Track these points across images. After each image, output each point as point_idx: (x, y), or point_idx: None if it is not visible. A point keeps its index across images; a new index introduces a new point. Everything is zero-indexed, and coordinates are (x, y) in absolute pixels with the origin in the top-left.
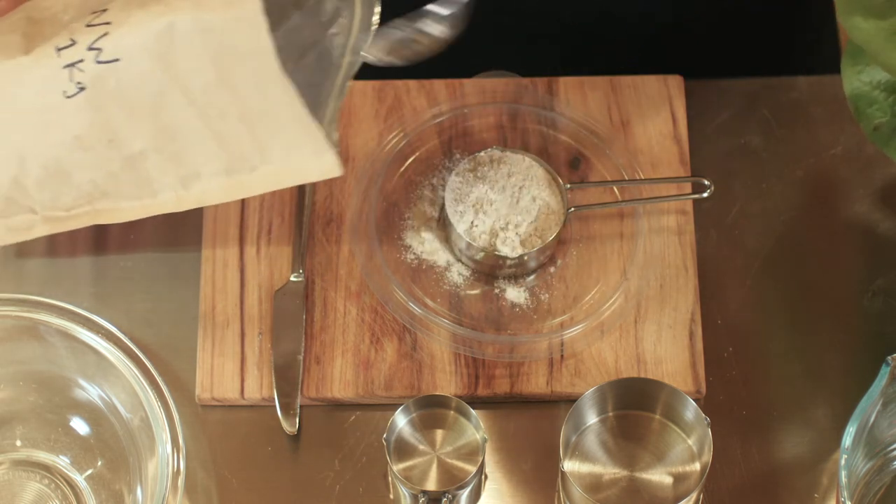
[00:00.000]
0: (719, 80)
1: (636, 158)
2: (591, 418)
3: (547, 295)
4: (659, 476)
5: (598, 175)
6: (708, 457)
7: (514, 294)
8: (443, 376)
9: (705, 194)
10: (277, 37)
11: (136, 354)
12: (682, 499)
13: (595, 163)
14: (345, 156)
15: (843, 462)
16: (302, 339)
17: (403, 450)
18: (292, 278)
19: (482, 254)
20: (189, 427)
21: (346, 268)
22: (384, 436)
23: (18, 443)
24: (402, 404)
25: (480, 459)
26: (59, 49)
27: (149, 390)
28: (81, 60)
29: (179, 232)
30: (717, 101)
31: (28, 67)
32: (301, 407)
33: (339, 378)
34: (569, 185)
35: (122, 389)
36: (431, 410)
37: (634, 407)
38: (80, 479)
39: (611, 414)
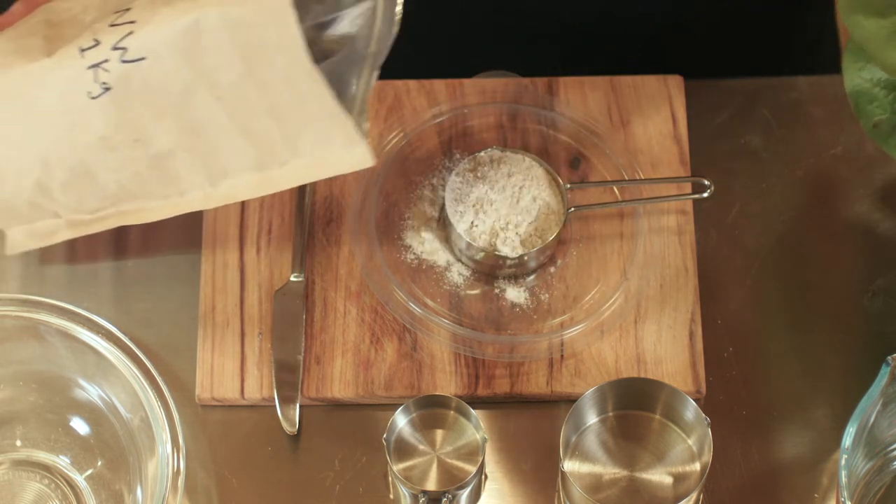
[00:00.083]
0: (719, 80)
1: (636, 158)
2: (591, 418)
3: (547, 295)
4: (659, 476)
5: (598, 175)
6: (708, 457)
7: (514, 294)
8: (443, 376)
9: (705, 194)
10: (303, 30)
11: (136, 354)
12: (682, 499)
13: (595, 163)
14: (374, 147)
15: (843, 462)
16: (302, 339)
17: (403, 450)
18: (292, 278)
19: (482, 254)
20: (189, 427)
21: (346, 268)
22: (384, 436)
23: (18, 443)
24: (402, 404)
25: (480, 459)
26: (83, 50)
27: (149, 390)
28: (106, 60)
29: (179, 232)
30: (717, 101)
31: (50, 69)
32: (301, 407)
33: (339, 378)
34: (569, 185)
35: (122, 389)
36: (431, 410)
37: (634, 407)
38: (80, 479)
39: (611, 414)
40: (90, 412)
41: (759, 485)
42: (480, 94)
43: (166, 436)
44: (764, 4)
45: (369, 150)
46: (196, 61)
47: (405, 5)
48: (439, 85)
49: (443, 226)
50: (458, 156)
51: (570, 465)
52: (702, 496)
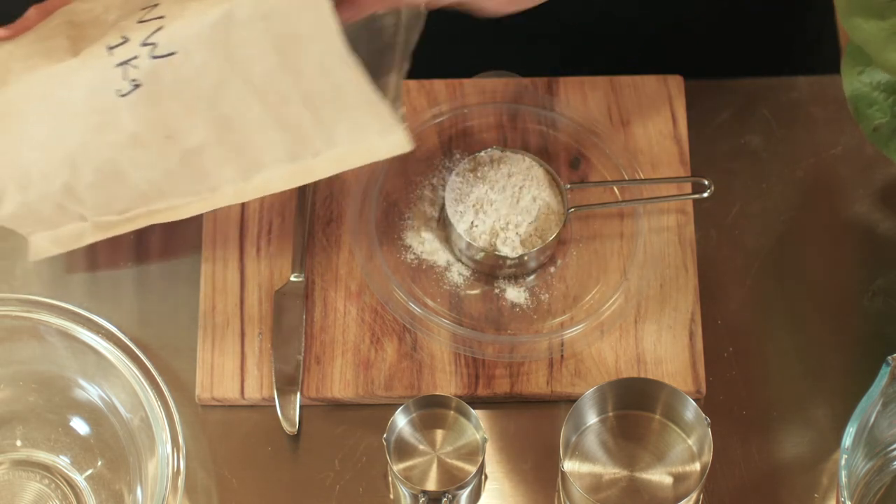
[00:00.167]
0: (719, 80)
1: (636, 158)
2: (591, 418)
3: (547, 295)
4: (659, 476)
5: (598, 175)
6: (708, 457)
7: (514, 294)
8: (443, 376)
9: (705, 194)
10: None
11: (136, 354)
12: (682, 499)
13: (595, 163)
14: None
15: (843, 462)
16: (302, 338)
17: (403, 450)
18: (292, 278)
19: (482, 254)
20: (189, 427)
21: (346, 268)
22: (384, 436)
23: (18, 443)
24: (402, 404)
25: (480, 459)
26: (111, 48)
27: (149, 390)
28: (136, 57)
29: (180, 232)
30: (717, 101)
31: (77, 69)
32: (301, 407)
33: (339, 378)
34: (569, 185)
35: (122, 389)
36: (431, 410)
37: (634, 407)
38: (80, 479)
39: (611, 414)
40: (90, 412)
41: (759, 485)
42: (480, 94)
43: (166, 436)
44: (764, 4)
45: (406, 136)
46: (228, 53)
47: None
48: (439, 85)
49: (443, 226)
50: (458, 156)
51: (570, 465)
52: (702, 496)
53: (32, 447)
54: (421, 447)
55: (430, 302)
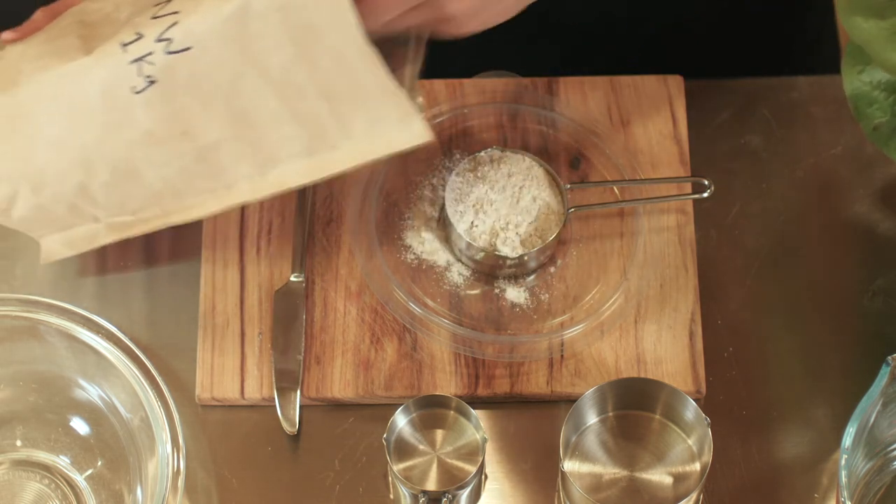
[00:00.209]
0: (719, 80)
1: (636, 158)
2: (591, 418)
3: (547, 295)
4: (659, 476)
5: (598, 175)
6: (708, 457)
7: (514, 294)
8: (443, 376)
9: (705, 194)
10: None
11: (136, 354)
12: (682, 499)
13: (595, 163)
14: None
15: (843, 462)
16: (302, 339)
17: (403, 450)
18: (292, 278)
19: (482, 254)
20: (189, 427)
21: (346, 268)
22: (384, 436)
23: (18, 443)
24: (402, 404)
25: (480, 459)
26: (125, 44)
27: (149, 390)
28: (150, 53)
29: (180, 232)
30: (717, 101)
31: (91, 67)
32: (301, 407)
33: (339, 378)
34: (569, 185)
35: (122, 389)
36: (431, 410)
37: (634, 407)
38: (80, 479)
39: (611, 414)
40: (90, 412)
41: (759, 485)
42: (480, 94)
43: (166, 436)
44: (764, 4)
45: (426, 125)
46: (244, 47)
47: None
48: (439, 85)
49: (443, 226)
50: (458, 156)
51: (570, 465)
52: (702, 496)
53: (32, 447)
54: (421, 447)
55: (430, 302)
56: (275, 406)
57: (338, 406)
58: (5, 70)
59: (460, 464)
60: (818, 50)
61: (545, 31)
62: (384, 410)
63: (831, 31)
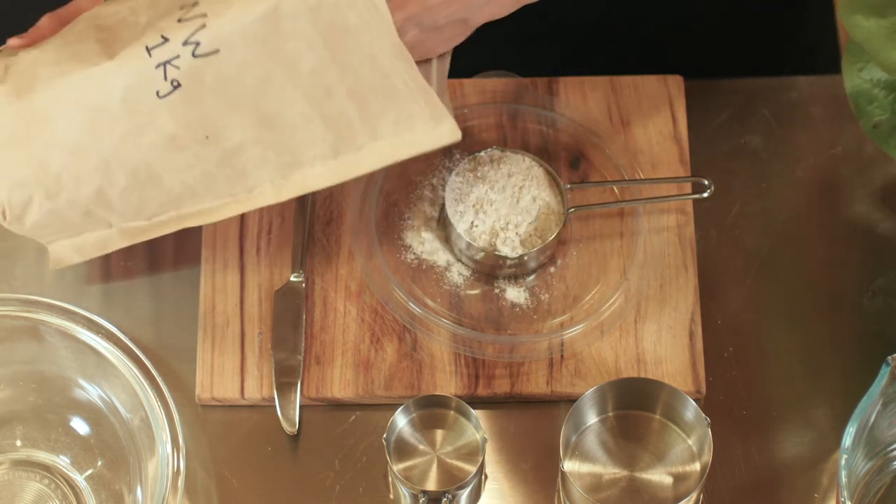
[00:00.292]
0: (719, 80)
1: (636, 158)
2: (591, 418)
3: (547, 295)
4: (659, 476)
5: (598, 175)
6: (708, 457)
7: (514, 294)
8: (443, 376)
9: (705, 194)
10: None
11: (136, 354)
12: (682, 499)
13: (595, 163)
14: None
15: (843, 462)
16: (302, 339)
17: (403, 450)
18: (292, 278)
19: (482, 254)
20: (189, 427)
21: (346, 268)
22: (384, 436)
23: (18, 443)
24: (402, 404)
25: (480, 459)
26: (151, 48)
27: (149, 390)
28: (177, 57)
29: (182, 232)
30: (717, 101)
31: (114, 71)
32: (301, 407)
33: (339, 378)
34: (569, 185)
35: (122, 389)
36: (431, 410)
37: (634, 407)
38: (80, 479)
39: (611, 414)
40: (90, 412)
41: (759, 485)
42: (480, 94)
43: (166, 436)
44: (764, 4)
45: (455, 125)
46: (274, 49)
47: None
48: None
49: (443, 226)
50: (458, 156)
51: (570, 465)
52: (702, 496)
53: (32, 447)
54: (421, 447)
55: (430, 302)
56: (275, 406)
57: (338, 406)
58: (19, 76)
59: (460, 464)
60: (818, 49)
61: (545, 31)
62: (384, 410)
63: (831, 30)
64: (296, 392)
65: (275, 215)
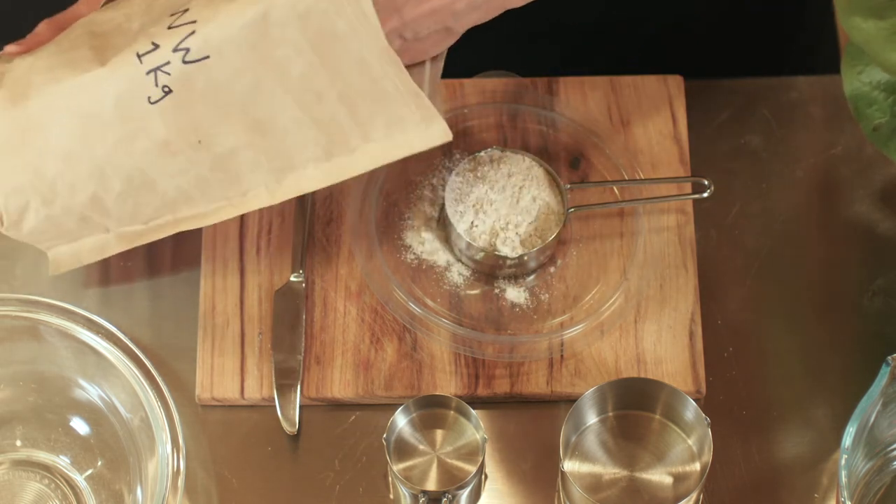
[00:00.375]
0: (719, 80)
1: (636, 158)
2: (591, 418)
3: (547, 295)
4: (659, 476)
5: (598, 175)
6: (708, 457)
7: (514, 294)
8: (443, 376)
9: (705, 194)
10: None
11: (136, 354)
12: (682, 499)
13: (595, 163)
14: None
15: (843, 462)
16: (302, 339)
17: (403, 450)
18: (292, 278)
19: (482, 254)
20: (189, 427)
21: (346, 268)
22: (384, 436)
23: (18, 443)
24: (402, 404)
25: (480, 459)
26: (141, 55)
27: (149, 390)
28: (167, 63)
29: (181, 233)
30: (717, 101)
31: (106, 78)
32: (301, 407)
33: (339, 378)
34: (569, 185)
35: (122, 389)
36: (431, 410)
37: (634, 407)
38: (80, 479)
39: (611, 414)
40: (90, 412)
41: (759, 485)
42: (480, 94)
43: (166, 436)
44: (763, 5)
45: (446, 126)
46: (264, 54)
47: None
48: (439, 85)
49: (443, 226)
50: (458, 156)
51: (570, 465)
52: (702, 496)
53: (32, 447)
54: (421, 447)
55: (430, 302)
56: (275, 406)
57: (338, 406)
58: (15, 83)
59: (460, 464)
60: (818, 50)
61: (545, 31)
62: (384, 410)
63: (831, 31)
64: (296, 392)
65: (275, 215)
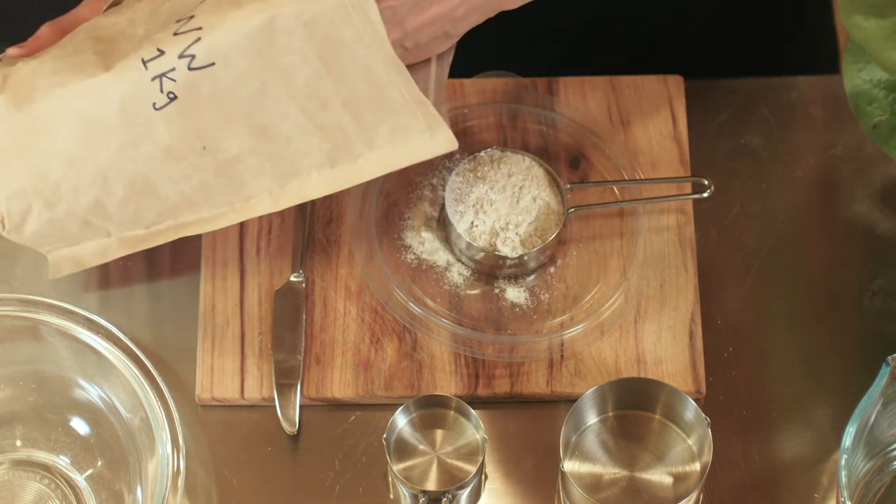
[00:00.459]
0: (719, 80)
1: (636, 158)
2: (591, 418)
3: (547, 295)
4: (659, 476)
5: (598, 175)
6: (708, 457)
7: (514, 294)
8: (443, 376)
9: (705, 194)
10: None
11: (136, 354)
12: (682, 499)
13: (595, 163)
14: None
15: (843, 462)
16: (302, 339)
17: (403, 450)
18: (292, 278)
19: (482, 254)
20: (189, 427)
21: (346, 268)
22: (384, 436)
23: (18, 443)
24: (402, 404)
25: (480, 459)
26: (147, 61)
27: (149, 390)
28: (172, 69)
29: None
30: (717, 101)
31: (111, 83)
32: (301, 407)
33: (339, 378)
34: (569, 185)
35: (122, 389)
36: (431, 410)
37: (634, 407)
38: (80, 479)
39: (611, 414)
40: (90, 412)
41: (759, 485)
42: (480, 94)
43: (166, 436)
44: (763, 4)
45: (452, 135)
46: (269, 62)
47: None
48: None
49: (443, 226)
50: (458, 156)
51: (570, 465)
52: (702, 496)
53: (32, 447)
54: (421, 447)
55: (430, 302)
56: (275, 406)
57: (338, 406)
58: (18, 86)
59: (460, 464)
60: (818, 50)
61: (545, 30)
62: (384, 410)
63: (830, 30)
64: (296, 392)
65: (275, 215)
